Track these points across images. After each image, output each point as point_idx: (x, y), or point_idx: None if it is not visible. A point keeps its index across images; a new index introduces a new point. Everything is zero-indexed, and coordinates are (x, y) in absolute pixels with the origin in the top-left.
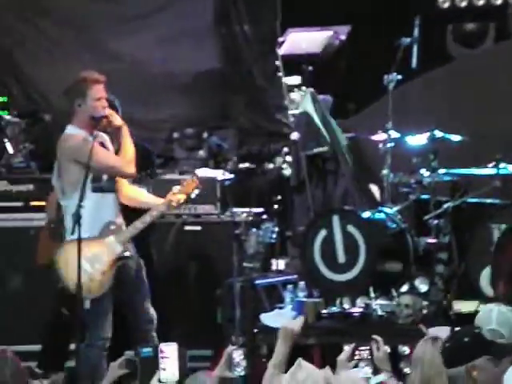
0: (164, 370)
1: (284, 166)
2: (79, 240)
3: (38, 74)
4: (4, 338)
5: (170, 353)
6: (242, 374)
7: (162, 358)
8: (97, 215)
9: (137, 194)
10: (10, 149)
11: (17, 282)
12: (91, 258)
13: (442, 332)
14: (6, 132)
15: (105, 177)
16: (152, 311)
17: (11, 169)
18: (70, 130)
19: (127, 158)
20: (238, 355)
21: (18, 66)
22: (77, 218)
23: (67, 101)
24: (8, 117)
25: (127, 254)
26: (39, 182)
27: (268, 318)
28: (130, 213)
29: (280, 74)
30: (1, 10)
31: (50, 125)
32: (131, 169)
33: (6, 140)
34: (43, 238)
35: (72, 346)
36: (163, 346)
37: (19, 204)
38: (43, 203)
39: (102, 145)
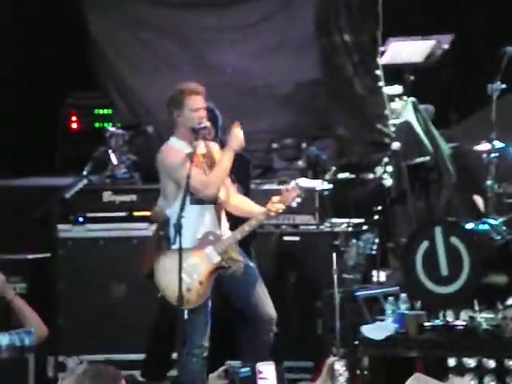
0: None
1: (385, 176)
2: (180, 250)
3: (141, 86)
4: (108, 347)
5: (267, 373)
6: None
7: (260, 378)
8: (197, 226)
9: (242, 203)
10: (114, 160)
11: (120, 292)
12: (189, 269)
13: None
14: (110, 143)
15: None
16: (271, 311)
17: (115, 179)
18: (171, 141)
19: (210, 179)
20: (340, 366)
21: (121, 79)
22: (178, 228)
23: (168, 112)
24: (112, 129)
25: (225, 264)
26: (142, 193)
27: (369, 330)
28: (238, 220)
29: (381, 83)
30: (105, 23)
31: (152, 136)
32: (210, 191)
33: (110, 151)
34: (149, 248)
35: (175, 355)
36: (261, 366)
37: (123, 214)
38: (146, 213)
39: (203, 156)
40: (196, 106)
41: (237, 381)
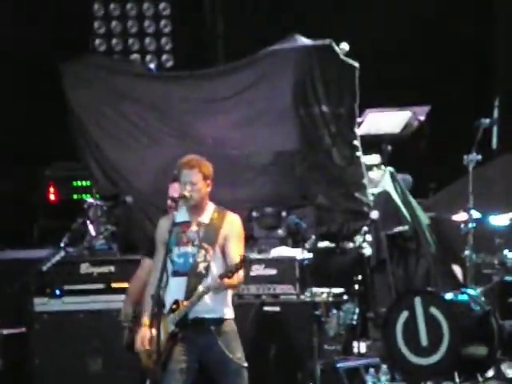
0: None
1: (364, 245)
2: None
3: (120, 157)
4: None
5: None
6: None
7: None
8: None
9: None
10: (92, 231)
11: (97, 366)
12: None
13: None
14: (88, 214)
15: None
16: None
17: (93, 251)
18: None
19: None
20: None
21: (100, 150)
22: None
23: None
24: (91, 200)
25: (175, 329)
26: (120, 264)
27: None
28: None
29: (359, 153)
30: (85, 93)
31: (131, 207)
32: None
33: (88, 222)
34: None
35: None
36: None
37: (101, 286)
38: (125, 285)
39: (198, 225)
40: (183, 179)
41: None
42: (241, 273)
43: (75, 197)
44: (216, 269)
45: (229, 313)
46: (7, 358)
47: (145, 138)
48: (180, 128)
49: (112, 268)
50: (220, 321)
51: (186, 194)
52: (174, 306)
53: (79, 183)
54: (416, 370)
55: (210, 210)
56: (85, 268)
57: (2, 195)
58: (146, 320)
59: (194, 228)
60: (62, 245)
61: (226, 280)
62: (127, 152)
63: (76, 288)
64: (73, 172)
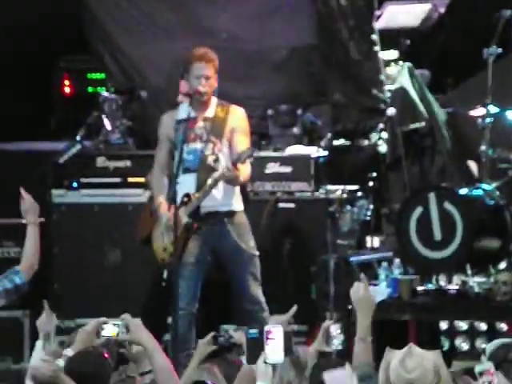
0: (270, 351)
1: (379, 142)
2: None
3: (135, 51)
4: (103, 311)
5: (275, 334)
6: (340, 348)
7: (268, 338)
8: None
9: None
10: (107, 125)
11: (115, 257)
12: (166, 230)
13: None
14: (103, 108)
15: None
16: (256, 293)
17: (109, 145)
18: None
19: None
20: (335, 330)
21: (115, 44)
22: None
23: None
24: (105, 93)
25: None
26: (137, 159)
27: None
28: None
29: (376, 48)
30: None
31: (146, 102)
32: None
33: (103, 116)
34: (144, 213)
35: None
36: (269, 328)
37: (117, 180)
38: (141, 179)
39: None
40: (196, 73)
41: (246, 342)
42: (248, 167)
43: (90, 90)
44: (224, 161)
45: (239, 205)
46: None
47: (158, 30)
48: (194, 21)
49: (128, 162)
50: (231, 213)
51: (202, 89)
52: (186, 199)
53: (94, 76)
54: (429, 264)
55: (213, 104)
56: (101, 162)
57: (16, 87)
58: (161, 198)
59: (200, 124)
60: (78, 138)
61: (236, 169)
62: (142, 45)
63: (92, 181)
64: (87, 64)
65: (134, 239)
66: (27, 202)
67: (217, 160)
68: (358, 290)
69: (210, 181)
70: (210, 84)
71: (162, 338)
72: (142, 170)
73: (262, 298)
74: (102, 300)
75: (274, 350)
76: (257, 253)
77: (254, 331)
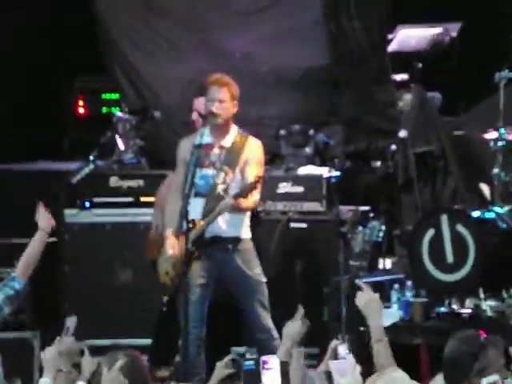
0: (267, 381)
1: (391, 163)
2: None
3: (150, 72)
4: (114, 332)
5: (272, 364)
6: None
7: (265, 369)
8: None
9: None
10: (121, 145)
11: (126, 277)
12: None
13: None
14: (117, 129)
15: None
16: (266, 322)
17: (122, 165)
18: None
19: None
20: (343, 350)
21: (131, 65)
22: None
23: None
24: (119, 114)
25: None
26: (149, 178)
27: None
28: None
29: (389, 70)
30: (114, 5)
31: (159, 122)
32: None
33: (117, 136)
34: (153, 233)
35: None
36: (265, 358)
37: (130, 199)
38: (153, 199)
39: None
40: (210, 96)
41: (241, 374)
42: (256, 195)
43: (104, 110)
44: (234, 191)
45: (246, 233)
46: (38, 266)
47: (172, 51)
48: (208, 42)
49: (141, 182)
50: (237, 240)
51: (214, 110)
52: (191, 225)
53: (108, 96)
54: (441, 287)
55: (232, 134)
56: (114, 181)
57: (31, 107)
58: (169, 232)
59: (216, 151)
60: (92, 158)
61: (240, 200)
62: (155, 65)
63: (105, 201)
64: (101, 84)
65: (145, 259)
66: (42, 213)
67: (226, 190)
68: (361, 297)
69: (215, 211)
70: (223, 107)
71: (174, 359)
72: (154, 189)
73: (272, 325)
74: (113, 320)
75: (272, 379)
76: (264, 279)
77: (249, 363)
